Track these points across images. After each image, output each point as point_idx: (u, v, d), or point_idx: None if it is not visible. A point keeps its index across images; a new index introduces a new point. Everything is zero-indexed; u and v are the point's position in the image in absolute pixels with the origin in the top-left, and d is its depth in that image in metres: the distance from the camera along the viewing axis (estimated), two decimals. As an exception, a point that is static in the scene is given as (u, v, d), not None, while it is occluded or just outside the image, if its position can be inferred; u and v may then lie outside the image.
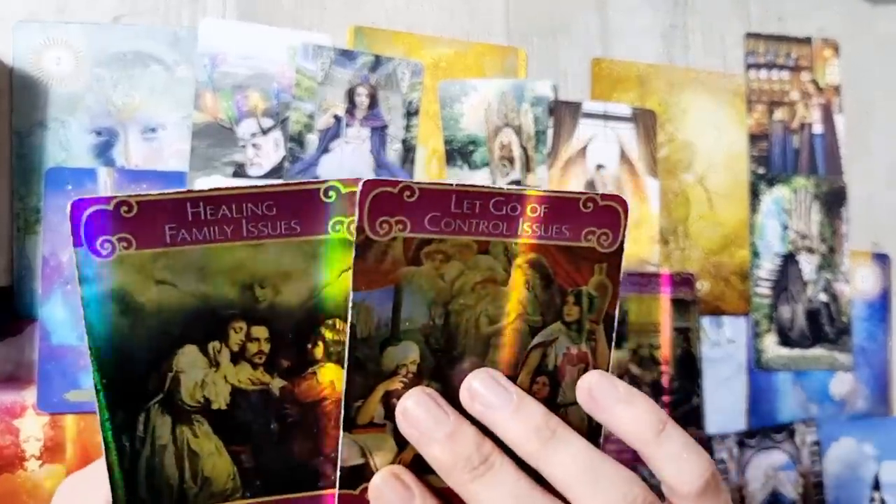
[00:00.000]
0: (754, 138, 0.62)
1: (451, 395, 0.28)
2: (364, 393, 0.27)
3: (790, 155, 0.62)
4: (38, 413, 0.46)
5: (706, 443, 0.57)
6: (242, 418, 0.27)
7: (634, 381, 0.55)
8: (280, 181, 0.27)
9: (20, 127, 0.47)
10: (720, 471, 0.58)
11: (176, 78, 0.50)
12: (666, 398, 0.56)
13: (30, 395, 0.46)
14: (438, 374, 0.28)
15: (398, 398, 0.28)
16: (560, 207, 0.28)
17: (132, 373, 0.26)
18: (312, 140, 0.51)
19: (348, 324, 0.27)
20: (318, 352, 0.28)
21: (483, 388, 0.27)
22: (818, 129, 0.63)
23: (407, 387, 0.28)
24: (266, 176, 0.51)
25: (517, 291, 0.28)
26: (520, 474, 0.27)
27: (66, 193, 0.47)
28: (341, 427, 0.27)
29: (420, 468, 0.28)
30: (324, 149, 0.52)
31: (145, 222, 0.25)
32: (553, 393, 0.29)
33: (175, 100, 0.50)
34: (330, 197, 0.26)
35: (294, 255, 0.27)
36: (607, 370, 0.29)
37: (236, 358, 0.27)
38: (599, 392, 0.28)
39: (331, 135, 0.52)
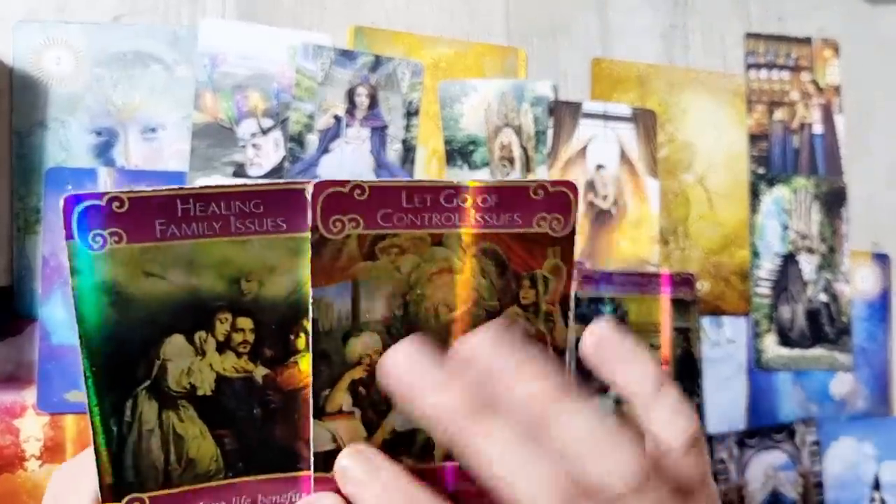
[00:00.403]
0: (754, 138, 0.62)
1: None
2: (330, 382, 0.29)
3: (790, 155, 0.62)
4: (38, 413, 0.46)
5: (706, 443, 0.57)
6: (226, 404, 0.28)
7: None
8: (266, 181, 0.28)
9: (20, 127, 0.47)
10: (720, 470, 0.58)
11: (176, 78, 0.50)
12: (666, 398, 0.56)
13: (30, 395, 0.46)
14: None
15: (363, 385, 0.29)
16: (510, 196, 0.28)
17: (121, 360, 0.27)
18: (312, 140, 0.51)
19: (310, 318, 0.28)
20: (300, 342, 0.29)
21: (481, 346, 0.27)
22: (818, 129, 0.63)
23: (371, 374, 0.29)
24: (266, 176, 0.51)
25: (473, 279, 0.29)
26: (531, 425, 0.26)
27: (66, 193, 0.47)
28: (311, 415, 0.28)
29: (389, 452, 0.29)
30: (324, 149, 0.52)
31: (136, 217, 0.26)
32: None
33: (175, 100, 0.50)
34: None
35: (279, 251, 0.28)
36: (565, 348, 0.30)
37: (222, 347, 0.28)
38: (608, 345, 0.28)
39: (331, 135, 0.52)
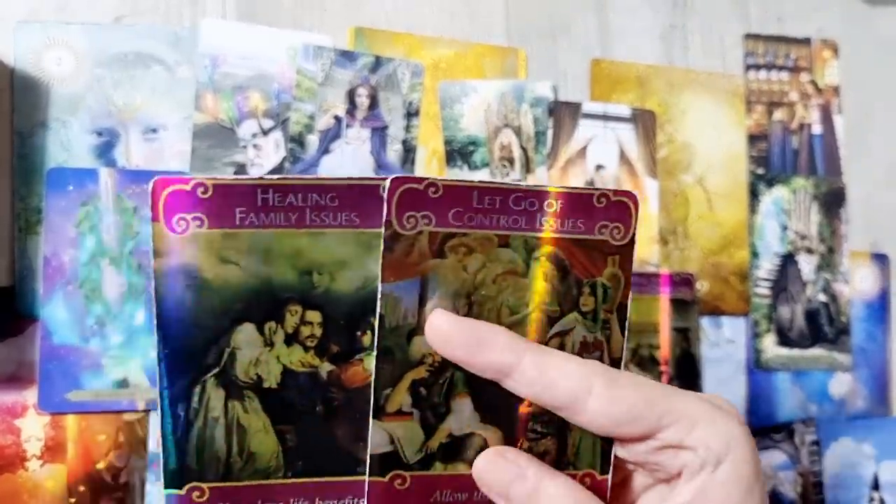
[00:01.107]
0: (753, 139, 0.62)
1: (473, 385, 0.29)
2: (392, 381, 0.29)
3: (789, 155, 0.63)
4: (40, 413, 0.46)
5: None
6: (290, 398, 0.29)
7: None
8: (344, 176, 0.28)
9: (21, 127, 0.47)
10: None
11: (177, 78, 0.50)
12: (665, 398, 0.56)
13: (31, 395, 0.46)
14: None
15: (424, 386, 0.29)
16: (575, 203, 0.29)
17: (193, 346, 0.28)
18: (313, 141, 0.52)
19: (377, 314, 0.28)
20: (367, 340, 0.29)
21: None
22: (817, 129, 0.63)
23: (432, 375, 0.29)
24: (267, 176, 0.51)
25: (536, 283, 0.29)
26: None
27: (66, 194, 0.47)
28: (370, 414, 0.28)
29: (448, 456, 0.29)
30: (324, 149, 0.52)
31: (218, 204, 0.27)
32: None
33: (176, 100, 0.50)
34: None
35: (351, 245, 0.28)
36: (621, 357, 0.30)
37: (290, 339, 0.28)
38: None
39: (331, 135, 0.52)
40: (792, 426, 0.60)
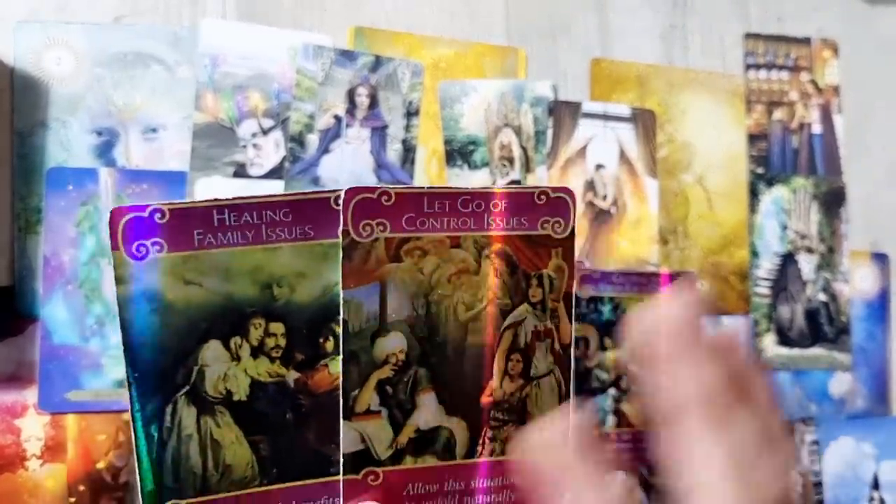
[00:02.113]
0: (753, 138, 0.62)
1: (437, 380, 0.31)
2: (359, 382, 0.30)
3: (789, 155, 0.63)
4: (39, 412, 0.46)
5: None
6: (261, 409, 0.30)
7: (634, 381, 0.56)
8: (295, 191, 0.30)
9: (21, 127, 0.47)
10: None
11: (176, 78, 0.50)
12: (665, 398, 0.56)
13: (31, 395, 0.46)
14: (424, 361, 0.31)
15: (390, 385, 0.30)
16: (518, 202, 0.31)
17: (161, 367, 0.28)
18: (313, 140, 0.52)
19: (341, 320, 0.29)
20: (329, 346, 0.30)
21: None
22: (817, 129, 0.63)
23: (397, 374, 0.30)
24: (266, 176, 0.51)
25: (488, 279, 0.31)
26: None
27: (66, 193, 0.47)
28: (341, 415, 0.30)
29: (418, 450, 0.31)
30: (324, 149, 0.52)
31: (176, 228, 0.28)
32: (526, 368, 0.32)
33: (176, 100, 0.50)
34: (339, 205, 0.29)
35: (307, 257, 0.29)
36: (570, 343, 0.32)
37: (255, 352, 0.29)
38: None
39: (331, 135, 0.52)
40: (792, 425, 0.60)
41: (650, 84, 0.60)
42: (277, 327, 0.29)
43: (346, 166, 0.52)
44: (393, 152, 0.53)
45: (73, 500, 0.46)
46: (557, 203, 0.31)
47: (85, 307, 0.47)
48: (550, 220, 0.31)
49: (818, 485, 0.60)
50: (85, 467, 0.47)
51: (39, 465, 0.46)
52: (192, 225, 0.28)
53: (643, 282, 0.57)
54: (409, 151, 0.54)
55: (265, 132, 0.51)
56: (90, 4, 0.49)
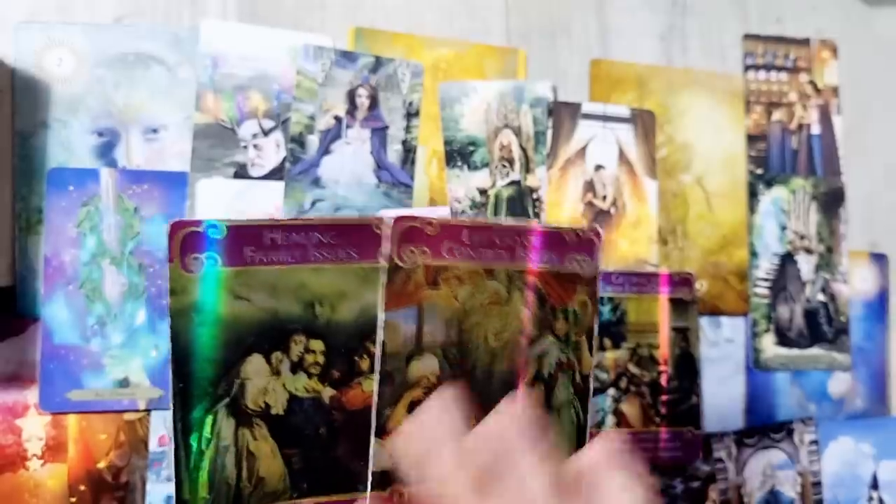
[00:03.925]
0: (752, 139, 0.62)
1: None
2: (392, 402, 0.31)
3: (788, 155, 0.63)
4: (40, 412, 0.46)
5: (705, 442, 0.58)
6: (296, 423, 0.31)
7: (633, 381, 0.56)
8: (341, 216, 0.31)
9: (22, 127, 0.47)
10: (719, 469, 0.58)
11: (177, 79, 0.50)
12: (664, 397, 0.56)
13: (32, 395, 0.46)
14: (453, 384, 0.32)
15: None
16: (550, 239, 0.33)
17: (206, 378, 0.29)
18: (313, 141, 0.52)
19: (379, 340, 0.30)
20: (364, 364, 0.31)
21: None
22: (816, 129, 0.64)
23: (428, 395, 0.31)
24: (267, 177, 0.51)
25: (518, 310, 0.33)
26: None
27: (67, 194, 0.47)
28: (372, 433, 0.31)
29: None
30: (325, 150, 0.52)
31: (230, 244, 0.29)
32: (548, 396, 0.33)
33: (176, 101, 0.50)
34: (382, 230, 0.31)
35: (350, 278, 0.31)
36: (590, 374, 0.34)
37: (295, 368, 0.31)
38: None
39: (331, 136, 0.52)
40: (791, 425, 0.60)
41: (649, 85, 0.60)
42: (317, 344, 0.31)
43: (347, 167, 0.52)
44: (393, 153, 0.53)
45: (73, 499, 0.46)
46: (585, 242, 0.33)
47: (86, 307, 0.47)
48: (578, 258, 0.33)
49: (817, 484, 0.60)
50: (86, 467, 0.47)
51: (40, 465, 0.46)
52: (244, 242, 0.29)
53: (642, 282, 0.57)
54: (409, 152, 0.54)
55: (266, 133, 0.51)
56: (91, 5, 0.49)
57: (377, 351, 0.30)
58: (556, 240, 0.33)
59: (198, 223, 0.29)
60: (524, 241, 0.32)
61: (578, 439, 0.34)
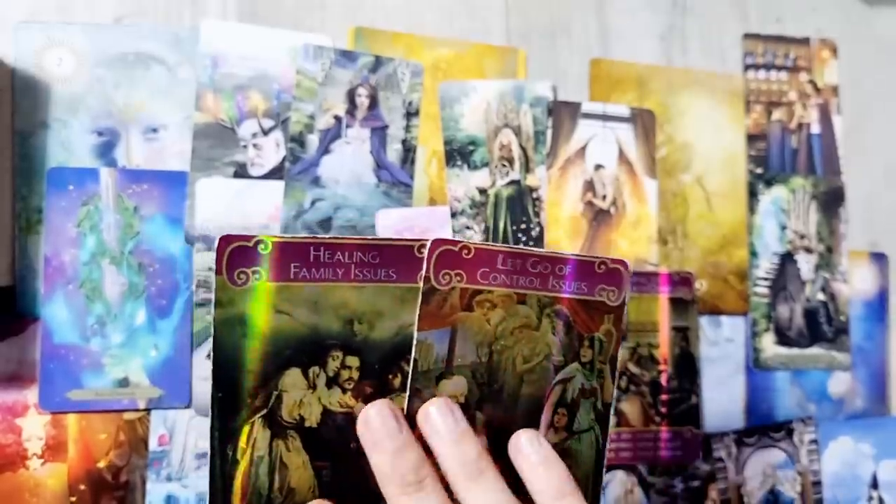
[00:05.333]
0: (752, 138, 0.62)
1: (490, 424, 0.33)
2: None
3: (788, 155, 0.63)
4: (40, 412, 0.46)
5: (705, 441, 0.58)
6: (328, 437, 0.31)
7: (633, 380, 0.56)
8: (384, 237, 0.35)
9: (22, 127, 0.47)
10: (719, 469, 0.58)
11: (177, 78, 0.50)
12: (664, 397, 0.56)
13: (32, 394, 0.46)
14: (481, 406, 0.33)
15: None
16: (580, 268, 0.34)
17: (245, 389, 0.30)
18: (313, 140, 0.52)
19: (412, 359, 0.31)
20: (397, 382, 0.32)
21: (436, 414, 0.31)
22: (816, 129, 0.64)
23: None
24: (267, 176, 0.51)
25: (546, 336, 0.33)
26: (445, 502, 0.30)
27: (67, 193, 0.47)
28: None
29: None
30: (324, 149, 0.52)
31: (277, 259, 0.30)
32: (570, 421, 0.34)
33: (176, 100, 0.50)
34: (422, 253, 0.31)
35: (388, 298, 0.31)
36: (611, 402, 0.35)
37: (330, 382, 0.31)
38: (528, 448, 0.32)
39: (331, 135, 0.52)
40: (791, 425, 0.60)
41: (649, 84, 0.60)
42: (353, 361, 0.31)
43: (347, 166, 0.52)
44: (393, 152, 0.53)
45: (73, 499, 0.47)
46: (613, 273, 0.34)
47: (86, 307, 0.47)
48: (606, 288, 0.34)
49: (817, 484, 0.60)
50: (86, 466, 0.47)
51: (40, 465, 0.46)
52: (290, 258, 0.30)
53: (642, 281, 0.57)
54: (409, 152, 0.54)
55: (265, 132, 0.51)
56: (91, 5, 0.49)
57: (410, 369, 0.31)
58: (587, 270, 0.34)
59: (248, 238, 0.29)
60: (557, 270, 0.33)
61: (597, 464, 0.35)
